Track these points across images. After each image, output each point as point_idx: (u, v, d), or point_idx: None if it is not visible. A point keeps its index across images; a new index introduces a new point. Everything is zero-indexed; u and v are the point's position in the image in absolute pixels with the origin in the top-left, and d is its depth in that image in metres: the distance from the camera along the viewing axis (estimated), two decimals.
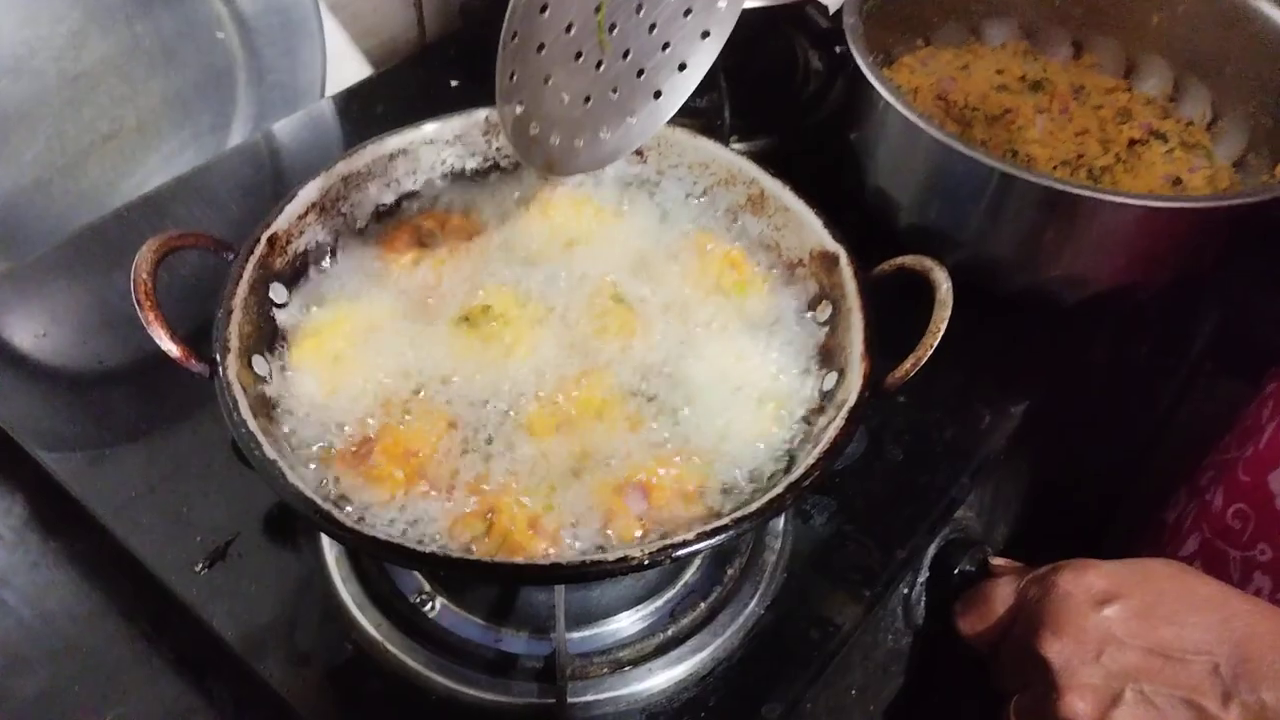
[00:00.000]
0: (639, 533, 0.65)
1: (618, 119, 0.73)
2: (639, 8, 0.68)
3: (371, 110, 1.21)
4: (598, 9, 0.66)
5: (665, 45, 0.72)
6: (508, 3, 1.25)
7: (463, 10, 1.33)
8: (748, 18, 1.08)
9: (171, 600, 0.80)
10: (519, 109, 0.67)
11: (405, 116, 0.84)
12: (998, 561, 0.85)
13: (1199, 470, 0.99)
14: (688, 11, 0.71)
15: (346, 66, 1.28)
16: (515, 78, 0.65)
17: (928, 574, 0.88)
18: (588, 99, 0.70)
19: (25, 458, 0.87)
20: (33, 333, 0.96)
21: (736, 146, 1.14)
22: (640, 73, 0.72)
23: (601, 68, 0.69)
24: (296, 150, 1.16)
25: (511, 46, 0.63)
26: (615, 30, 0.68)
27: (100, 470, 0.87)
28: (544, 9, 0.63)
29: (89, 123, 1.03)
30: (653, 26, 0.70)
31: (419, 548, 0.58)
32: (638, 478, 0.68)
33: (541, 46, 0.65)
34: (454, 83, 1.24)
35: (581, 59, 0.68)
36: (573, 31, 0.66)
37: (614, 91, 0.71)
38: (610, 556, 0.58)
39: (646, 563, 0.58)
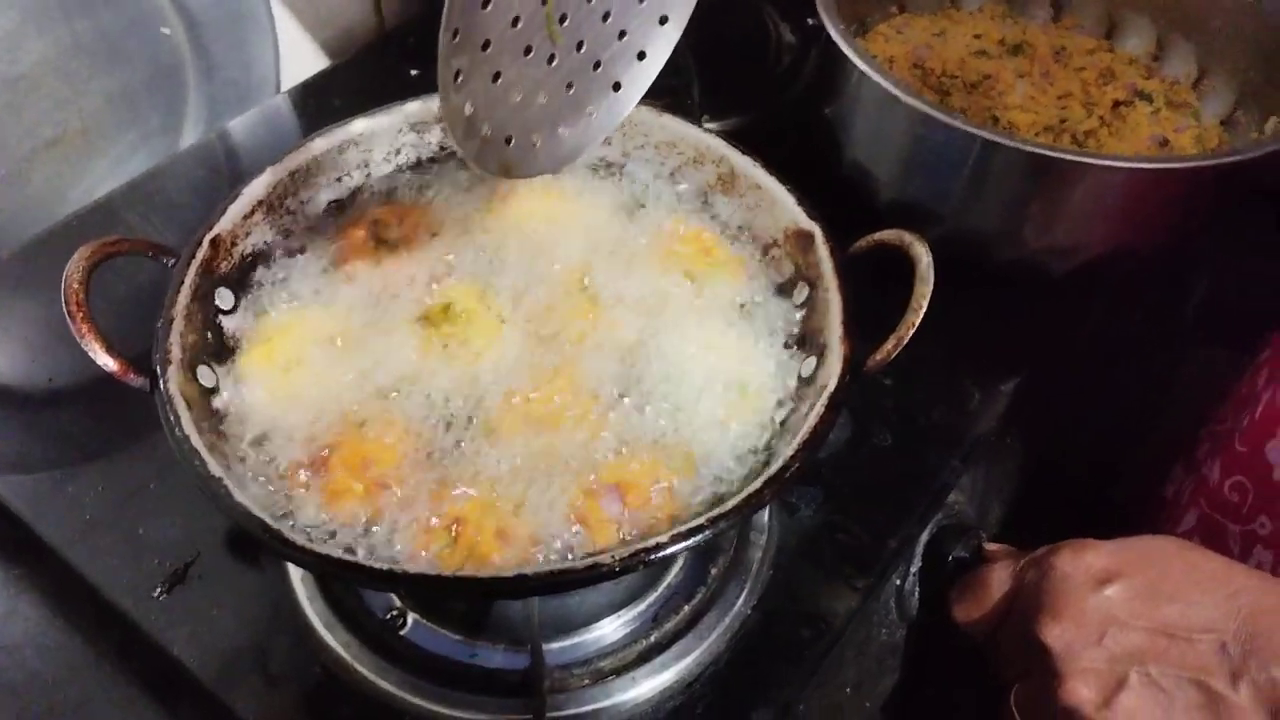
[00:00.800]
0: (617, 535, 0.62)
1: (576, 114, 0.69)
2: None
3: (329, 103, 1.17)
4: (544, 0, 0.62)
5: (622, 33, 0.68)
6: None
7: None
8: None
9: (134, 627, 0.76)
10: (468, 110, 0.62)
11: (364, 109, 0.80)
12: (992, 547, 0.82)
13: (1195, 443, 0.96)
14: None
15: (303, 59, 1.23)
16: (460, 77, 0.60)
17: (920, 563, 0.85)
18: (542, 95, 0.66)
19: None
20: None
21: (709, 125, 1.10)
22: (597, 64, 0.68)
23: (554, 62, 0.65)
24: (253, 148, 1.12)
25: (453, 44, 0.58)
26: (566, 21, 0.64)
27: (54, 494, 0.83)
28: (485, 3, 0.59)
29: (30, 128, 0.99)
30: (607, 14, 0.66)
31: (374, 565, 0.54)
32: (611, 478, 0.64)
33: (487, 43, 0.60)
34: (414, 71, 1.20)
35: (532, 53, 0.64)
36: (520, 25, 0.61)
37: (570, 86, 0.67)
38: (579, 564, 0.54)
39: (618, 569, 0.54)
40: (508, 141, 0.66)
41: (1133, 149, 0.98)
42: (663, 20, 0.69)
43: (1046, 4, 1.14)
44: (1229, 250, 1.12)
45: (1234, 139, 1.01)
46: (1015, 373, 0.93)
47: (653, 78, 0.71)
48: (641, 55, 0.70)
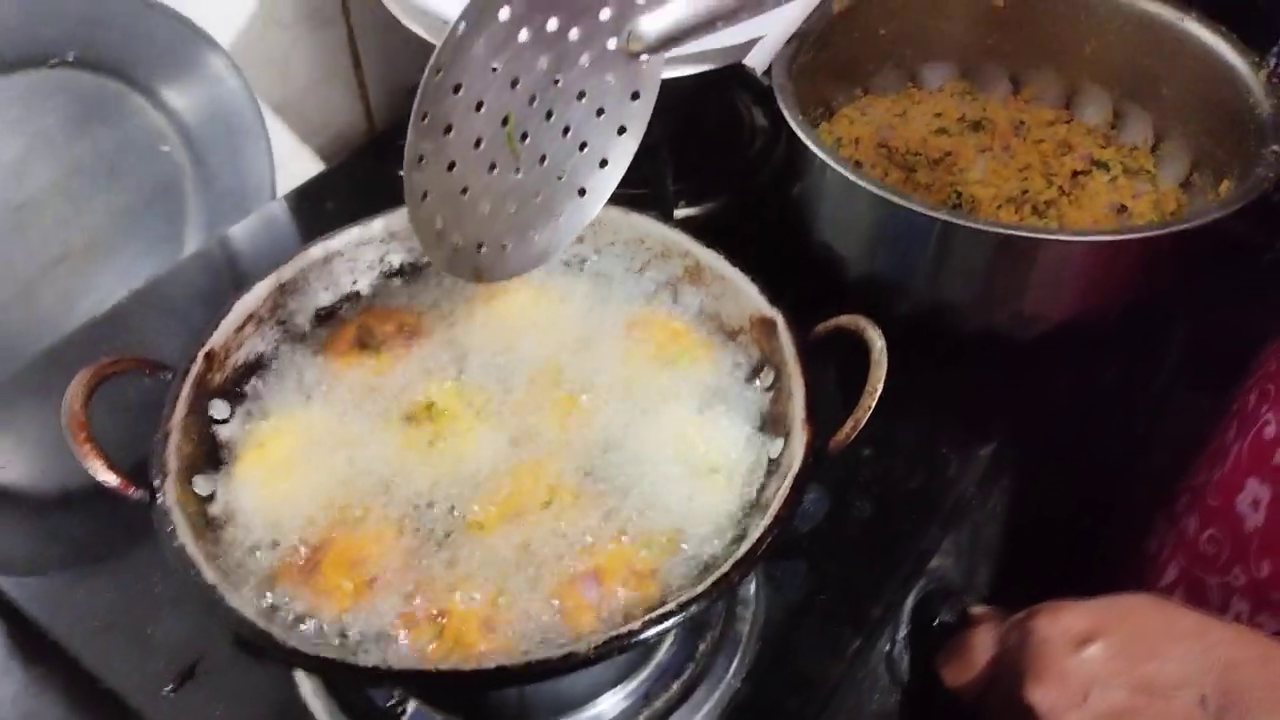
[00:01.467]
0: (596, 620, 0.64)
1: (545, 220, 0.73)
2: (549, 114, 0.68)
3: (322, 206, 1.21)
4: (505, 121, 0.66)
5: (583, 145, 0.72)
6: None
7: (410, 93, 1.34)
8: (686, 83, 1.10)
9: None
10: (438, 224, 0.67)
11: (357, 211, 0.84)
12: (978, 610, 0.84)
13: (1175, 496, 0.98)
14: (600, 111, 0.71)
15: (297, 164, 1.29)
16: (428, 197, 0.65)
17: (908, 628, 0.87)
18: (510, 205, 0.70)
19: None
20: None
21: (685, 211, 1.16)
22: (560, 175, 0.72)
23: (519, 174, 0.69)
24: (252, 253, 1.16)
25: (418, 168, 0.63)
26: (527, 138, 0.68)
27: (66, 596, 0.86)
28: (447, 130, 0.63)
29: (36, 248, 1.04)
30: (566, 129, 0.70)
31: (359, 662, 0.57)
32: (589, 565, 0.67)
33: (452, 164, 0.65)
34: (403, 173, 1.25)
35: (496, 170, 0.68)
36: (482, 146, 0.66)
37: (536, 196, 0.71)
38: (556, 655, 0.57)
39: (593, 657, 0.57)
40: (479, 249, 0.70)
41: (1092, 216, 1.02)
42: (621, 130, 0.74)
43: (1005, 78, 1.19)
44: (1209, 298, 1.14)
45: (1191, 200, 1.05)
46: (992, 437, 0.96)
47: (616, 182, 0.75)
48: (604, 163, 0.74)
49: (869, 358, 0.67)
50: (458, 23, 0.61)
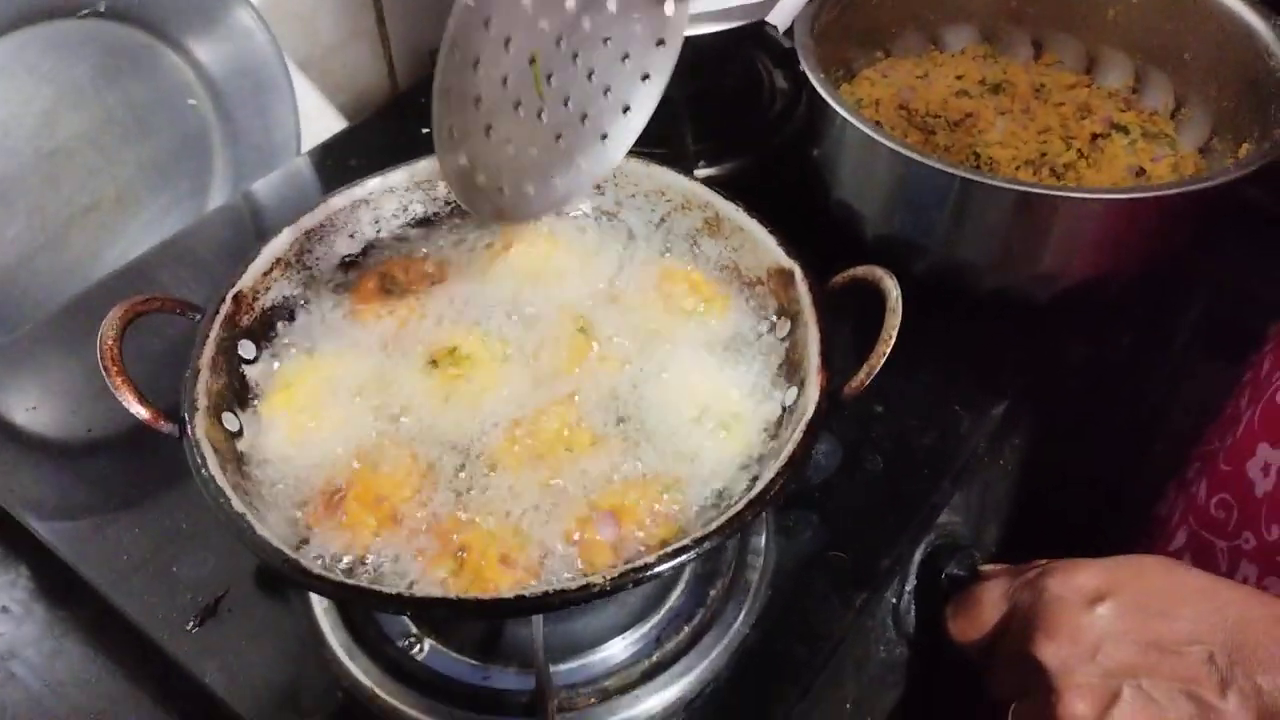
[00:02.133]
0: (612, 558, 0.66)
1: (566, 163, 0.74)
2: (575, 56, 0.69)
3: (346, 163, 1.23)
4: (532, 60, 0.67)
5: (606, 90, 0.73)
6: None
7: (433, 55, 1.35)
8: (708, 42, 1.10)
9: (169, 660, 0.81)
10: (463, 161, 0.68)
11: (379, 167, 0.85)
12: (987, 567, 0.85)
13: (1187, 463, 0.99)
14: (625, 56, 0.72)
15: (322, 121, 1.30)
16: (455, 132, 0.66)
17: (915, 582, 0.88)
18: (533, 148, 0.71)
19: (26, 530, 0.89)
20: (24, 406, 0.98)
21: (705, 171, 1.17)
22: (584, 118, 0.73)
23: (543, 116, 0.70)
24: (276, 208, 1.18)
25: (446, 101, 0.64)
26: (552, 79, 0.69)
27: (94, 537, 0.88)
28: (476, 64, 0.64)
29: (68, 197, 1.06)
30: (591, 73, 0.71)
31: (382, 590, 0.59)
32: (607, 505, 0.68)
33: (478, 100, 0.66)
34: (425, 130, 1.25)
35: (521, 109, 0.69)
36: (509, 84, 0.67)
37: (559, 138, 0.72)
38: (573, 585, 0.59)
39: (609, 588, 0.58)
40: (501, 190, 0.72)
41: (1110, 180, 1.02)
42: (645, 77, 0.75)
43: (1027, 42, 1.19)
44: (1225, 266, 1.15)
45: (1210, 165, 1.05)
46: (1004, 396, 0.97)
47: (638, 130, 0.76)
48: (626, 109, 0.75)
49: (884, 306, 0.68)
50: None
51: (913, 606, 0.89)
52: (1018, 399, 0.96)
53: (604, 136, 0.75)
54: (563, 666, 0.78)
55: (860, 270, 0.72)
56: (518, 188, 0.72)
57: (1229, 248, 1.07)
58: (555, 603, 0.59)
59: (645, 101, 0.76)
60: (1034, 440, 1.01)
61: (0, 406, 0.98)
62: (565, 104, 0.71)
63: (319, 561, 0.64)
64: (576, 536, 0.67)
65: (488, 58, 0.64)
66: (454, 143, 0.66)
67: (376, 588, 0.59)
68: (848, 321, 0.81)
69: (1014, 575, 0.80)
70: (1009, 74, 1.15)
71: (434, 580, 0.65)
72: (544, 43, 0.67)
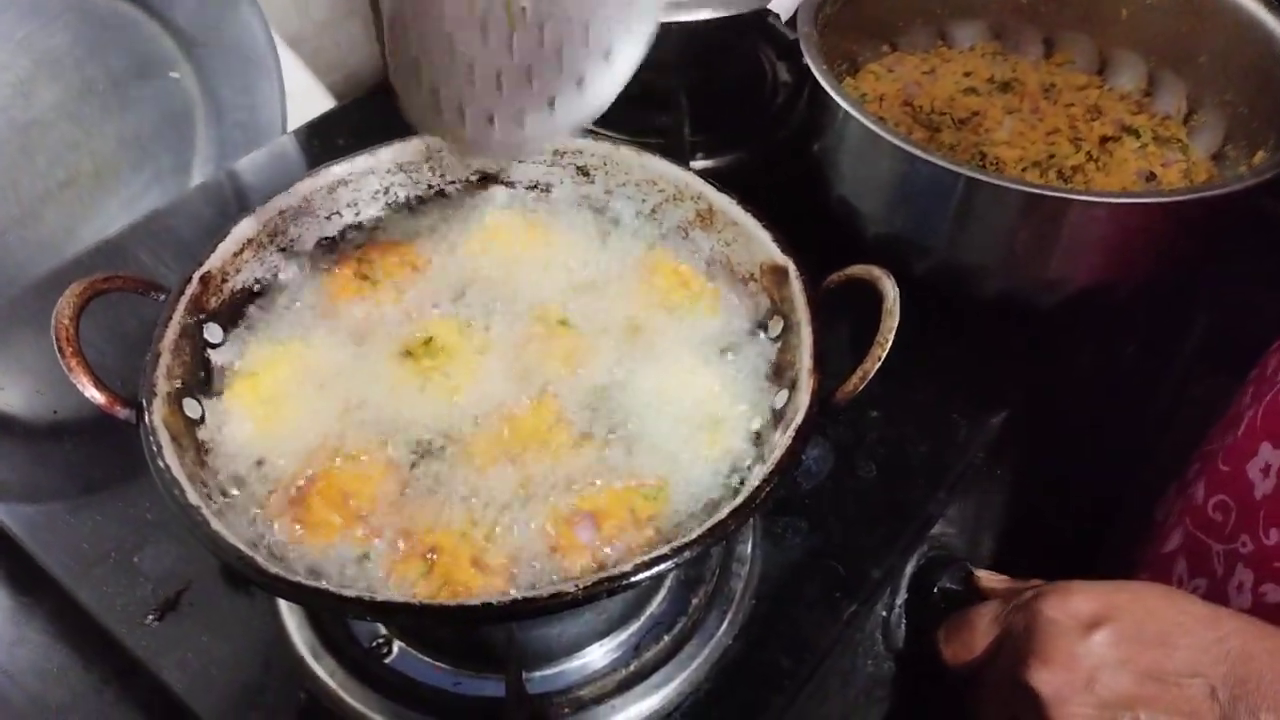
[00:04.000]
0: (590, 563, 0.63)
1: (537, 104, 0.68)
2: None
3: (333, 143, 1.19)
4: None
5: (585, 28, 0.68)
6: None
7: None
8: (709, 30, 1.07)
9: (128, 654, 0.78)
10: (418, 67, 0.62)
11: (368, 148, 0.82)
12: (981, 574, 0.82)
13: (1187, 466, 0.96)
14: None
15: (310, 100, 1.27)
16: (413, 35, 0.61)
17: (906, 595, 0.85)
18: (501, 77, 0.66)
19: None
20: None
21: (703, 164, 1.13)
22: (559, 55, 0.67)
23: (514, 46, 0.65)
24: (259, 187, 1.15)
25: (404, 15, 0.59)
26: (526, 10, 0.64)
27: (56, 524, 0.85)
28: None
29: (43, 170, 1.02)
30: (569, 6, 0.66)
31: (342, 592, 0.56)
32: (586, 506, 0.65)
33: (440, 10, 0.61)
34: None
35: (489, 32, 0.63)
36: (477, 7, 0.62)
37: (530, 74, 0.67)
38: (544, 594, 0.55)
39: (582, 598, 0.55)
40: (461, 116, 0.66)
41: (1119, 184, 0.99)
42: (627, 24, 0.69)
43: (1038, 41, 1.16)
44: (1232, 277, 1.12)
45: (1223, 172, 1.01)
46: (1005, 405, 0.94)
47: (621, 80, 0.70)
48: (608, 54, 0.70)
49: (881, 307, 0.65)
50: None
51: (903, 620, 0.86)
52: (1018, 408, 0.93)
53: (580, 81, 0.70)
54: (537, 674, 0.75)
55: (857, 269, 0.69)
56: (480, 118, 0.66)
57: (1238, 257, 1.04)
58: (525, 611, 0.56)
59: (628, 49, 0.70)
60: (1033, 451, 0.98)
61: None
62: (539, 37, 0.66)
63: (281, 560, 0.61)
64: (553, 539, 0.63)
65: None
66: (408, 42, 0.61)
67: (335, 590, 0.56)
68: (844, 323, 0.78)
69: (1008, 597, 0.77)
70: (1018, 72, 1.12)
71: (403, 583, 0.62)
72: None
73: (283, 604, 0.78)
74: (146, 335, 0.90)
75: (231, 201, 1.14)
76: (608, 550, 0.64)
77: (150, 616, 0.78)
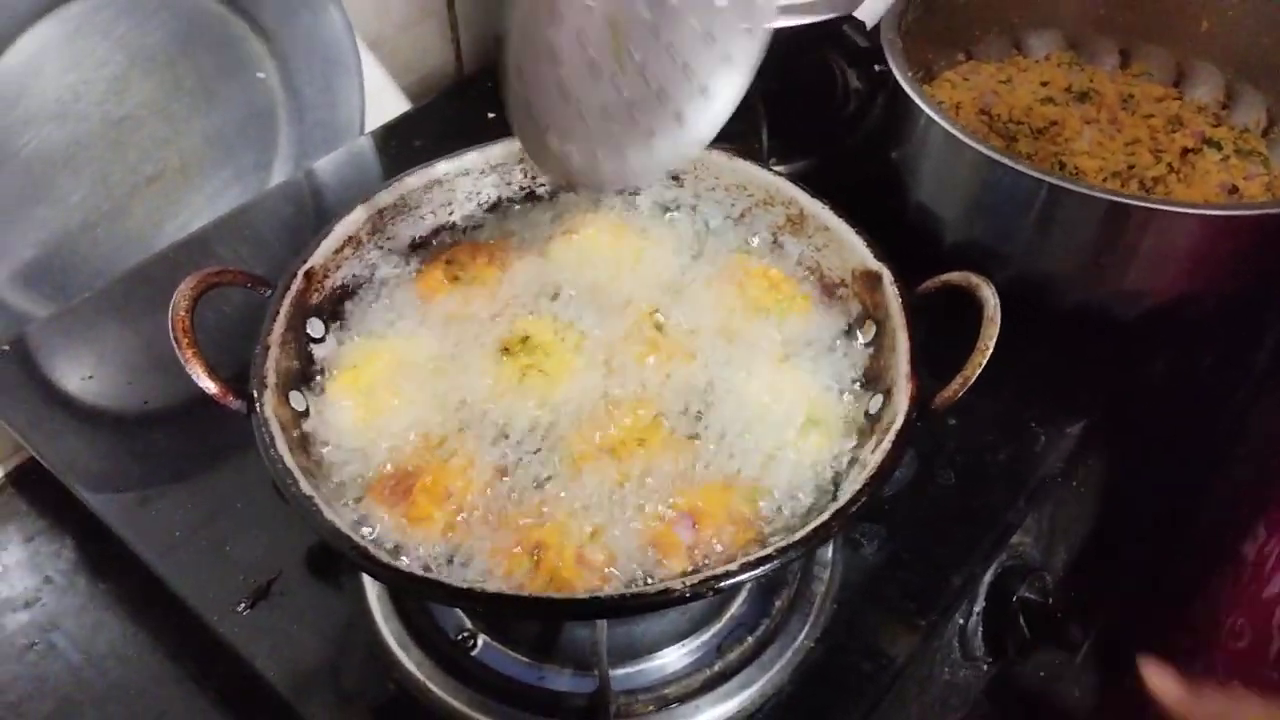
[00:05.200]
0: (688, 563, 0.64)
1: (642, 139, 0.71)
2: (657, 30, 0.66)
3: (409, 145, 1.21)
4: (612, 24, 0.64)
5: (686, 68, 0.70)
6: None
7: (499, 39, 1.34)
8: (784, 39, 1.07)
9: (215, 640, 0.79)
10: (532, 107, 0.65)
11: (443, 150, 0.83)
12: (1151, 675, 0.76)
13: (1274, 500, 0.94)
14: (709, 38, 0.69)
15: (386, 102, 1.28)
16: (525, 75, 0.63)
17: (984, 603, 0.85)
18: (607, 114, 0.68)
19: (74, 500, 0.88)
20: (79, 375, 0.96)
21: (776, 169, 1.13)
22: (660, 94, 0.70)
23: (620, 85, 0.67)
24: (337, 187, 1.16)
25: (519, 51, 0.61)
26: (633, 49, 0.66)
27: (145, 511, 0.86)
28: (553, 12, 0.62)
29: (133, 165, 1.04)
30: (671, 47, 0.68)
31: (455, 583, 0.57)
32: (685, 506, 0.66)
33: (553, 51, 0.63)
34: (490, 115, 1.24)
35: (598, 72, 0.66)
36: (586, 45, 0.64)
37: (633, 110, 0.69)
38: (651, 589, 0.56)
39: (689, 595, 0.56)
40: (571, 152, 0.69)
41: (1201, 196, 0.98)
42: (727, 59, 0.71)
43: (1114, 52, 1.15)
44: None
45: None
46: (1083, 415, 0.93)
47: (720, 118, 0.73)
48: (704, 90, 0.72)
49: (981, 314, 0.65)
50: None
51: (980, 628, 0.86)
52: (1096, 418, 0.93)
53: (679, 115, 0.72)
54: (621, 671, 0.75)
55: (954, 276, 0.69)
56: (589, 154, 0.69)
57: None
58: (633, 607, 0.57)
59: (725, 89, 0.73)
60: (1110, 461, 0.97)
61: (55, 375, 0.97)
62: (643, 77, 0.68)
63: (385, 551, 0.62)
64: (654, 538, 0.64)
65: (568, 9, 0.62)
66: (523, 85, 0.63)
67: (449, 581, 0.57)
68: (920, 328, 0.78)
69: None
70: (1095, 83, 1.11)
71: (510, 577, 0.63)
72: (626, 9, 0.64)
73: (371, 595, 0.79)
74: (235, 330, 0.92)
75: (309, 200, 1.16)
76: (707, 549, 0.64)
77: (242, 604, 0.79)
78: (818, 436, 0.69)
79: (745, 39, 0.72)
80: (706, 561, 0.63)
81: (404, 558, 0.63)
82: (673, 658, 0.77)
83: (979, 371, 0.64)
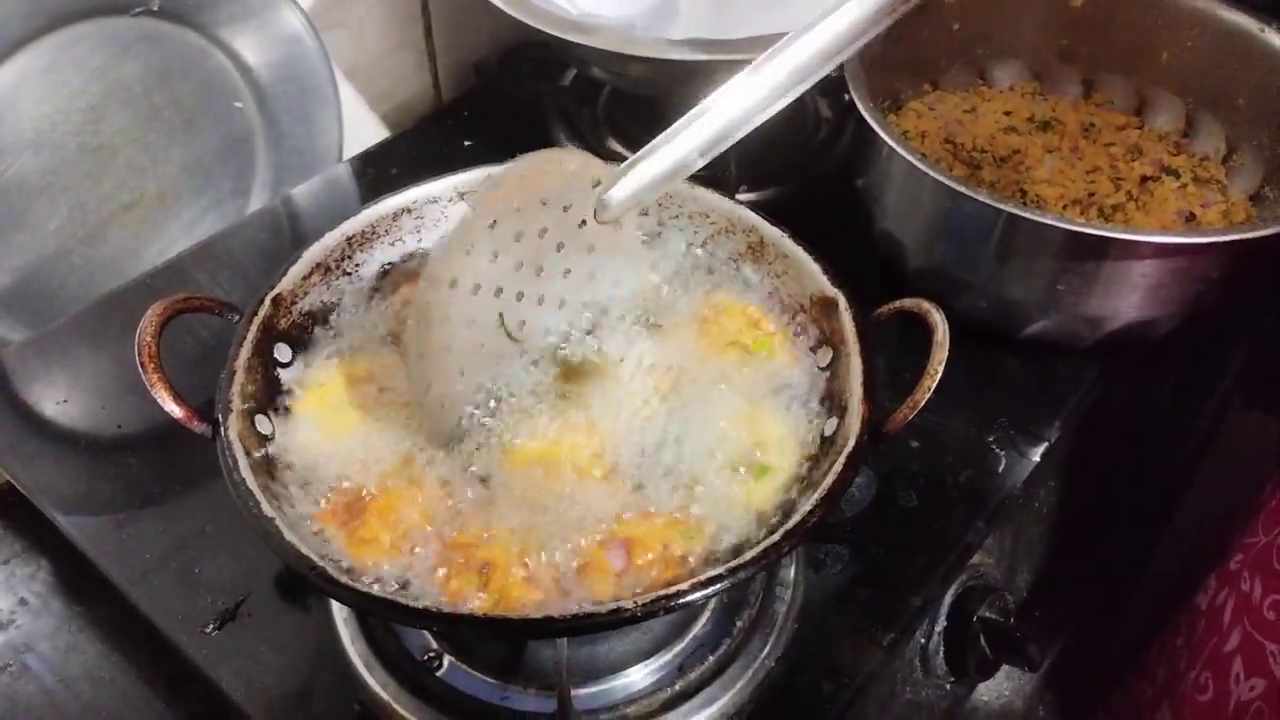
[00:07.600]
0: (615, 588, 0.64)
1: None
2: (540, 300, 0.74)
3: (387, 172, 1.23)
4: (500, 318, 0.72)
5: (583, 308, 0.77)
6: (520, 65, 1.27)
7: (477, 69, 1.36)
8: None
9: (185, 662, 0.80)
10: (431, 389, 0.69)
11: (420, 177, 0.85)
12: None
13: (1227, 549, 0.95)
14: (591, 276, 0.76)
15: (364, 130, 1.30)
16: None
17: (945, 623, 0.87)
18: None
19: (50, 523, 0.89)
20: (54, 399, 0.98)
21: (747, 196, 1.16)
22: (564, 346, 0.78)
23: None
24: (314, 214, 1.18)
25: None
26: (525, 325, 0.74)
27: (118, 534, 0.88)
28: (445, 319, 0.67)
29: (109, 193, 1.06)
30: (562, 302, 0.77)
31: (415, 604, 0.58)
32: (623, 534, 0.67)
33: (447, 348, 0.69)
34: (467, 143, 1.26)
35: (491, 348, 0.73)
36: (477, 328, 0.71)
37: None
38: (604, 609, 0.57)
39: (640, 615, 0.57)
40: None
41: (1159, 223, 1.00)
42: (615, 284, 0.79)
43: (1077, 81, 1.18)
44: (1268, 317, 1.13)
45: (1262, 214, 1.03)
46: (1044, 438, 0.95)
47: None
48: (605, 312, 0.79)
49: (931, 340, 0.67)
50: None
51: (942, 648, 0.87)
52: (1056, 442, 0.95)
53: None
54: (583, 691, 0.76)
55: (907, 302, 0.71)
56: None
57: (1275, 297, 1.05)
58: (585, 626, 0.58)
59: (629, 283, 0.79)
60: (1070, 483, 0.99)
61: (31, 399, 0.98)
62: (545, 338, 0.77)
63: (345, 572, 0.63)
64: (585, 561, 0.65)
65: (457, 312, 0.68)
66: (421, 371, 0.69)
67: (406, 601, 0.58)
68: (882, 353, 0.79)
69: None
70: (1058, 112, 1.14)
71: (458, 596, 0.64)
72: (509, 284, 0.71)
73: (338, 616, 0.80)
74: (203, 352, 0.93)
75: (287, 227, 1.18)
76: (634, 579, 0.65)
77: (210, 626, 0.80)
78: (770, 484, 0.69)
79: (622, 260, 0.78)
80: (634, 589, 0.63)
81: (361, 578, 0.64)
82: (635, 677, 0.78)
83: (928, 396, 0.65)
